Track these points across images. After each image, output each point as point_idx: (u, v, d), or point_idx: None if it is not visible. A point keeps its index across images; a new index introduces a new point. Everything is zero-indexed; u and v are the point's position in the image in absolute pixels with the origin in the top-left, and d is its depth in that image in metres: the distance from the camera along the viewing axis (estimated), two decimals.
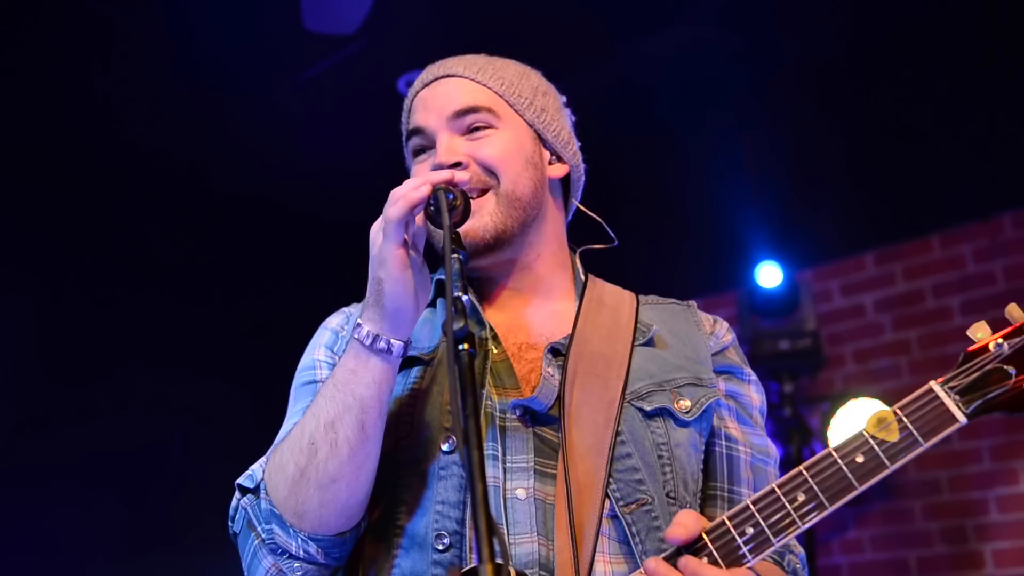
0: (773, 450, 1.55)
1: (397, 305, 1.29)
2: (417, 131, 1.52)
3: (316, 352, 1.55)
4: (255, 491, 1.38)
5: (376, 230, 1.31)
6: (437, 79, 1.53)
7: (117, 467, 3.95)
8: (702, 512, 1.44)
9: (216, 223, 4.50)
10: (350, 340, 1.34)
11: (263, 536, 1.35)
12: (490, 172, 1.46)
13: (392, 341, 1.31)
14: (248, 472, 1.43)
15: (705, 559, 1.21)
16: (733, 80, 3.85)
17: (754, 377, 1.58)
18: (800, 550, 1.51)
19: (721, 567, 1.20)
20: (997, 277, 4.26)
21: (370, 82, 3.71)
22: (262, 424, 1.69)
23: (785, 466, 2.29)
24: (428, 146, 1.51)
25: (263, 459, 1.42)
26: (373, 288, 1.31)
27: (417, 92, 1.55)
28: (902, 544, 4.27)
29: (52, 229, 4.04)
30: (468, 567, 1.26)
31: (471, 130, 1.49)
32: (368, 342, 1.30)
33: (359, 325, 1.32)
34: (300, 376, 1.55)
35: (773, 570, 1.43)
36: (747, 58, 3.73)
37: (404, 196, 1.28)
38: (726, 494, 1.48)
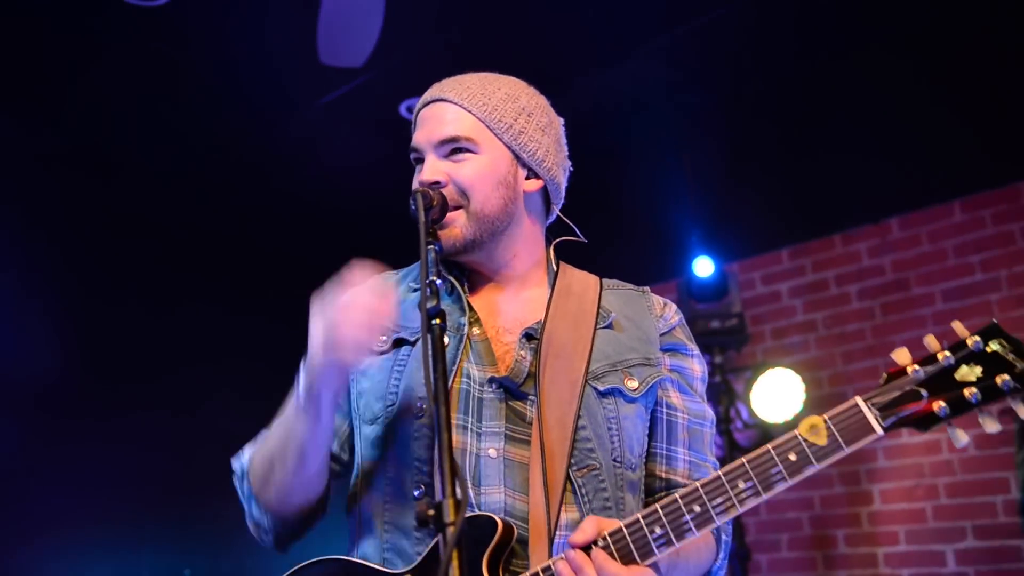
0: (710, 414, 1.58)
1: (318, 392, 1.37)
2: (414, 148, 1.53)
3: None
4: (241, 475, 1.56)
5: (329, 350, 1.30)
6: (434, 101, 1.52)
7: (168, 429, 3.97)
8: (646, 466, 1.51)
9: (244, 226, 4.49)
10: (290, 393, 1.42)
11: (244, 507, 1.56)
12: (463, 192, 1.46)
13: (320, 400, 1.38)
14: (239, 457, 1.57)
15: (658, 528, 1.26)
16: (675, 106, 3.94)
17: (697, 352, 1.60)
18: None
19: (671, 539, 1.25)
20: (886, 269, 4.44)
21: (375, 107, 3.82)
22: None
23: (716, 422, 2.35)
24: (421, 159, 1.52)
25: (252, 445, 1.56)
26: (306, 379, 1.36)
27: (419, 111, 1.55)
28: (808, 486, 4.40)
29: (103, 227, 4.11)
30: (435, 501, 1.30)
31: (453, 152, 1.48)
32: (301, 402, 1.39)
33: (297, 382, 1.39)
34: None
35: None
36: (685, 88, 3.86)
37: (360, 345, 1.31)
38: (665, 452, 1.52)
